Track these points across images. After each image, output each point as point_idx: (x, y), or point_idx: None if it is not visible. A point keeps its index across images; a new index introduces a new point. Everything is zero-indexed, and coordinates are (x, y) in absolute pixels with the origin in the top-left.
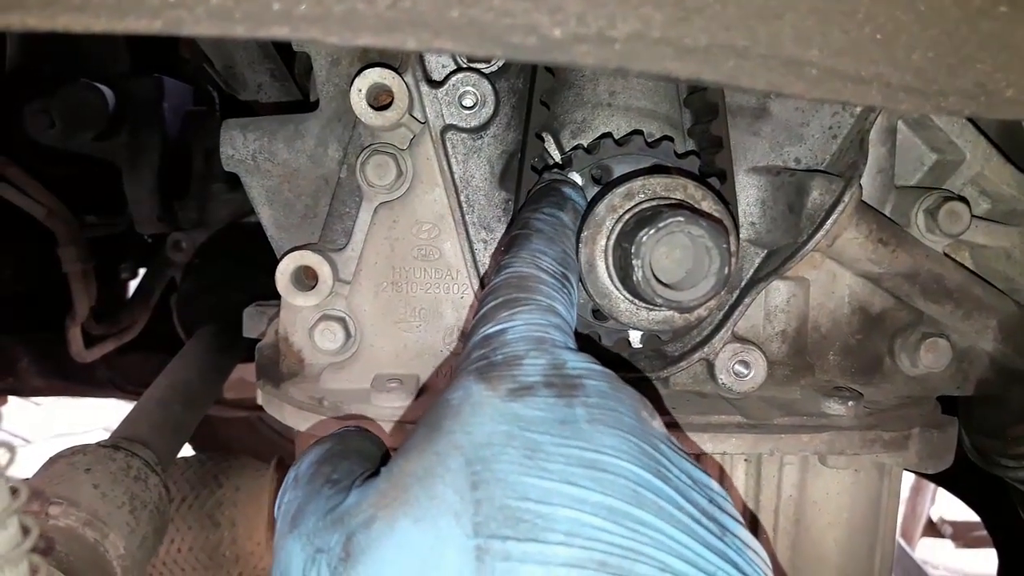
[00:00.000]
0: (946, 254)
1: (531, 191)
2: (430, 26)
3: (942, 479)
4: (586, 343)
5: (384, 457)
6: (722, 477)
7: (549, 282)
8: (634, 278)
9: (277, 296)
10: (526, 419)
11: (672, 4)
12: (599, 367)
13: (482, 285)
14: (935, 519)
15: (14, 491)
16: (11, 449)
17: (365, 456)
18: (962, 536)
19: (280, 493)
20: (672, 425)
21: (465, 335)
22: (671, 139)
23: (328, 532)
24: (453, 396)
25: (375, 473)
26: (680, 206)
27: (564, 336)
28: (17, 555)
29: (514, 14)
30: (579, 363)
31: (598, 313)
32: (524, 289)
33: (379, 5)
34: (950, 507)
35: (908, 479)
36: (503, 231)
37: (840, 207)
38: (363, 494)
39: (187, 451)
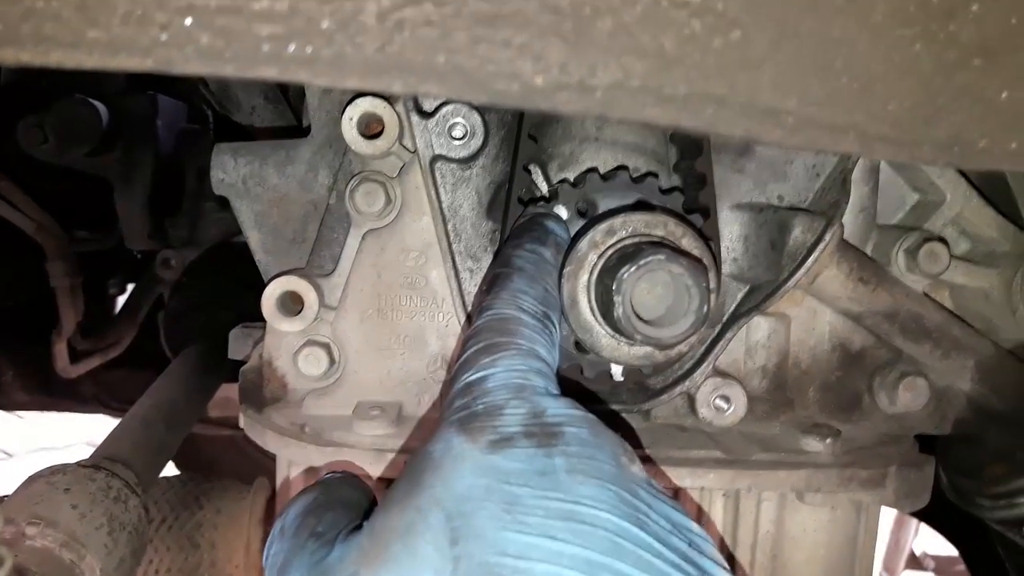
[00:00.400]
0: (926, 293)
1: (514, 225)
2: (416, 71)
3: (923, 514)
4: (567, 381)
5: (370, 506)
6: (699, 513)
7: (530, 324)
8: (615, 314)
9: (264, 318)
10: (505, 472)
11: (653, 54)
12: (579, 412)
13: (467, 315)
14: (918, 553)
15: None
16: None
17: (350, 506)
18: (945, 570)
19: (267, 544)
20: (651, 460)
21: (449, 365)
22: (656, 175)
23: None
24: (434, 448)
25: (359, 526)
26: (661, 244)
27: (545, 381)
28: None
29: (498, 62)
30: (559, 410)
31: (580, 345)
32: (505, 332)
33: (367, 49)
34: (933, 541)
35: (891, 512)
36: (489, 261)
37: (821, 245)
38: (346, 550)
39: (171, 469)
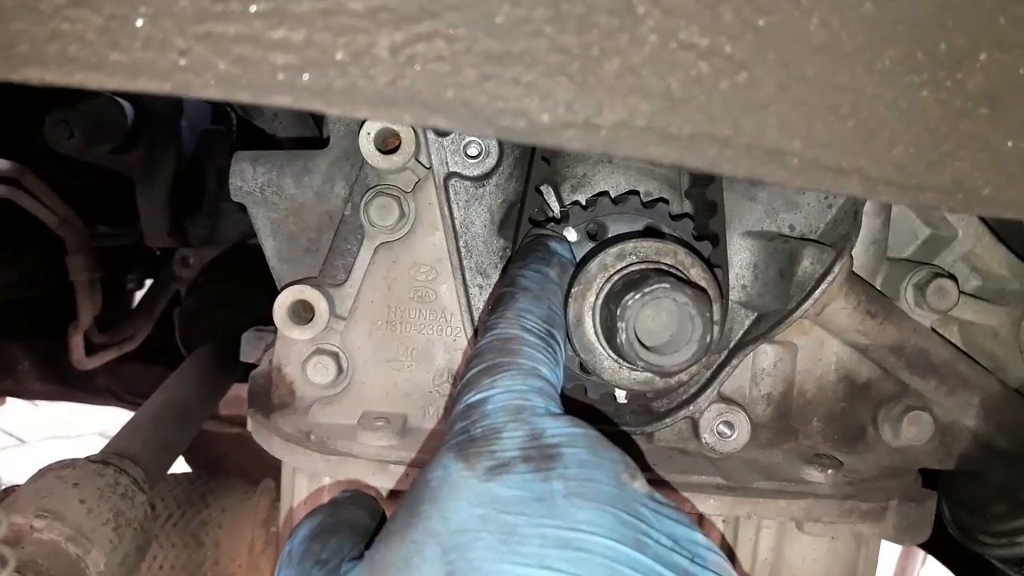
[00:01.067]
0: (934, 329)
1: (518, 246)
2: (426, 104)
3: (928, 546)
4: (571, 401)
5: (378, 526)
6: None
7: (533, 343)
8: (618, 339)
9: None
10: (502, 500)
11: (659, 95)
12: (580, 430)
13: (475, 331)
14: None
15: None
16: None
17: (355, 528)
18: None
19: (277, 568)
20: (652, 482)
21: (454, 382)
22: (667, 201)
23: None
24: (432, 476)
25: (363, 552)
26: (667, 272)
27: (546, 400)
28: None
29: (506, 98)
30: (558, 430)
31: (585, 368)
32: (507, 352)
33: (379, 82)
34: (941, 571)
35: None
36: (499, 277)
37: (830, 277)
38: None
39: (180, 463)
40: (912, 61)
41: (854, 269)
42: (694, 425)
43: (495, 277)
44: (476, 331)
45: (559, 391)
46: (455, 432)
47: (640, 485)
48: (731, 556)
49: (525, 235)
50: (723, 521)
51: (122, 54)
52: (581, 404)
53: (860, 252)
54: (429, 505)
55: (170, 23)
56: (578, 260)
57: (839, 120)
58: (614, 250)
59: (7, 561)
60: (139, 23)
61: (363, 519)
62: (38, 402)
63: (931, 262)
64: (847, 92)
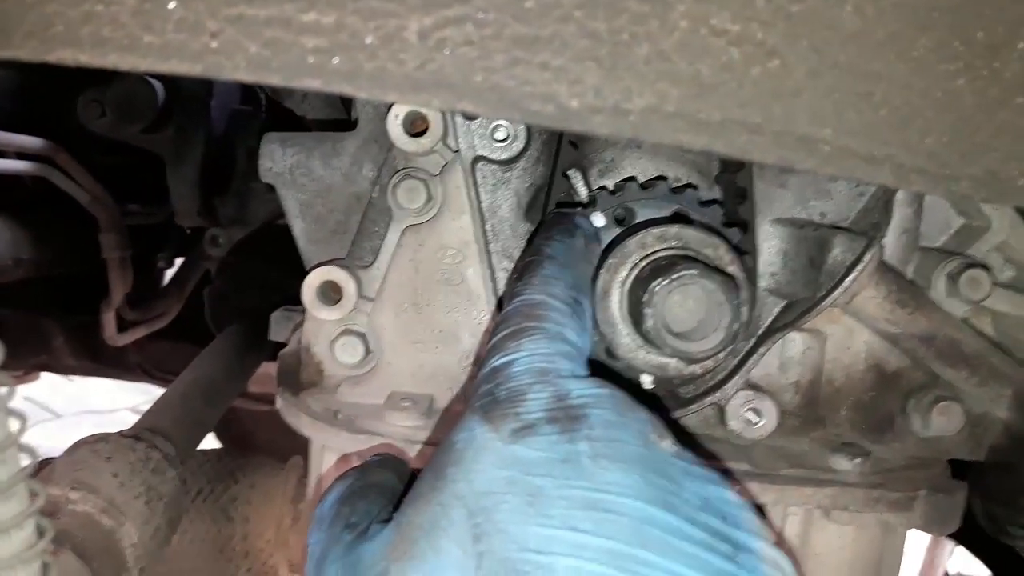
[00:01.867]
0: (966, 319)
1: (542, 221)
2: (455, 89)
3: (958, 536)
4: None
5: (407, 485)
6: None
7: (559, 308)
8: (645, 324)
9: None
10: (528, 462)
11: (689, 81)
12: (605, 390)
13: (498, 304)
14: (952, 573)
15: (33, 494)
16: (32, 456)
17: (384, 491)
18: None
19: (309, 531)
20: None
21: (477, 358)
22: (696, 187)
23: None
24: (458, 439)
25: (391, 516)
26: (695, 259)
27: (571, 363)
28: (31, 555)
29: (535, 83)
30: (583, 391)
31: (610, 352)
32: (533, 317)
33: (408, 66)
34: (970, 561)
35: None
36: None
37: (860, 266)
38: (377, 543)
39: (209, 438)
40: (947, 49)
41: (885, 258)
42: (721, 412)
43: None
44: (499, 304)
45: (586, 356)
46: (480, 395)
47: (668, 444)
48: None
49: (547, 212)
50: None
51: (154, 36)
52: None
53: (891, 241)
54: (454, 468)
55: (202, 5)
56: (605, 245)
57: (871, 108)
58: (656, 231)
59: (45, 532)
60: (171, 5)
61: (392, 482)
62: (71, 377)
63: (964, 252)
64: (880, 80)
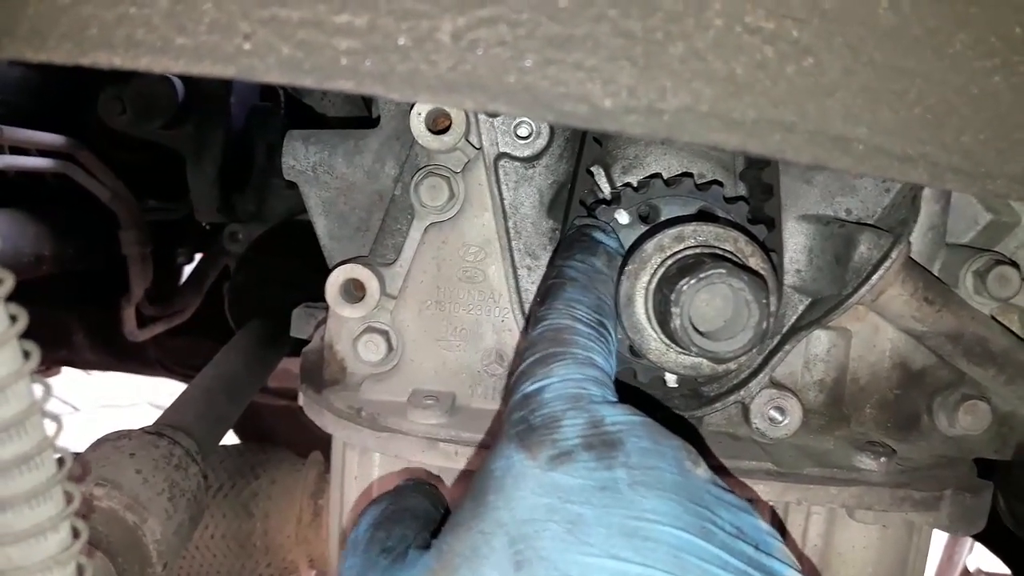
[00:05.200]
0: (994, 317)
1: (561, 238)
2: (487, 89)
3: (978, 534)
4: (623, 387)
5: (441, 515)
6: None
7: (585, 332)
8: (672, 324)
9: (325, 299)
10: (567, 489)
11: (724, 80)
12: (639, 418)
13: (523, 313)
14: (971, 569)
15: (69, 496)
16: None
17: (419, 516)
18: None
19: (342, 556)
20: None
21: (509, 373)
22: (721, 183)
23: None
24: (496, 466)
25: (429, 542)
26: (723, 258)
27: (602, 389)
28: (66, 557)
29: (568, 83)
30: (618, 417)
31: (634, 350)
32: (560, 343)
33: (440, 67)
34: (988, 559)
35: None
36: (548, 259)
37: (887, 263)
38: (417, 570)
39: (230, 436)
40: (984, 45)
41: (912, 255)
42: (744, 410)
43: (544, 259)
44: (527, 321)
45: (613, 379)
46: (514, 422)
47: (703, 472)
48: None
49: (569, 226)
50: (772, 507)
51: (187, 38)
52: (630, 387)
53: (918, 237)
54: (495, 495)
55: (235, 7)
56: (631, 243)
57: (906, 106)
58: (673, 231)
59: (80, 533)
60: (204, 7)
61: (425, 507)
62: (92, 373)
63: (992, 248)
64: (915, 77)
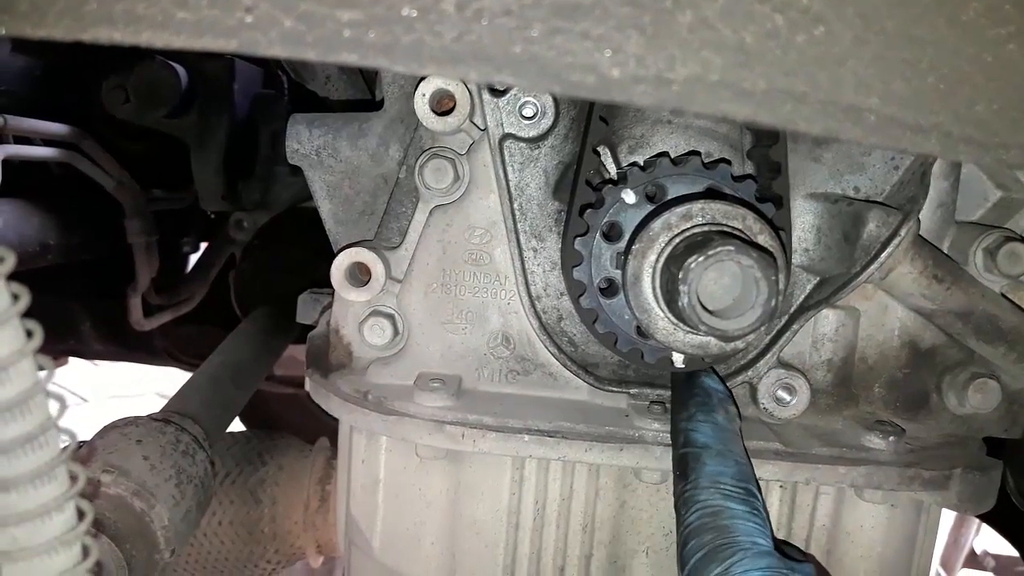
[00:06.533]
0: (1004, 295)
1: (672, 386)
2: (493, 60)
3: (985, 514)
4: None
5: None
6: None
7: (740, 512)
8: (680, 303)
9: (331, 284)
10: None
11: (733, 49)
12: None
13: (528, 294)
14: (978, 551)
15: (73, 476)
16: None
17: None
18: (1005, 570)
19: None
20: None
21: (506, 339)
22: (728, 161)
23: None
24: None
25: None
26: (731, 235)
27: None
28: (72, 538)
29: (575, 53)
30: None
31: (643, 333)
32: (721, 531)
33: (445, 38)
34: (994, 540)
35: None
36: (554, 241)
37: (896, 241)
38: None
39: (236, 424)
40: (998, 13)
41: (921, 232)
42: (752, 390)
43: (550, 240)
44: (530, 295)
45: (773, 548)
46: None
47: None
48: (788, 524)
49: (672, 377)
50: (780, 487)
51: (189, 12)
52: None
53: (927, 215)
54: None
55: None
56: (638, 223)
57: (918, 75)
58: (680, 210)
59: (85, 514)
60: None
61: None
62: (98, 363)
63: (1002, 225)
64: (927, 46)
